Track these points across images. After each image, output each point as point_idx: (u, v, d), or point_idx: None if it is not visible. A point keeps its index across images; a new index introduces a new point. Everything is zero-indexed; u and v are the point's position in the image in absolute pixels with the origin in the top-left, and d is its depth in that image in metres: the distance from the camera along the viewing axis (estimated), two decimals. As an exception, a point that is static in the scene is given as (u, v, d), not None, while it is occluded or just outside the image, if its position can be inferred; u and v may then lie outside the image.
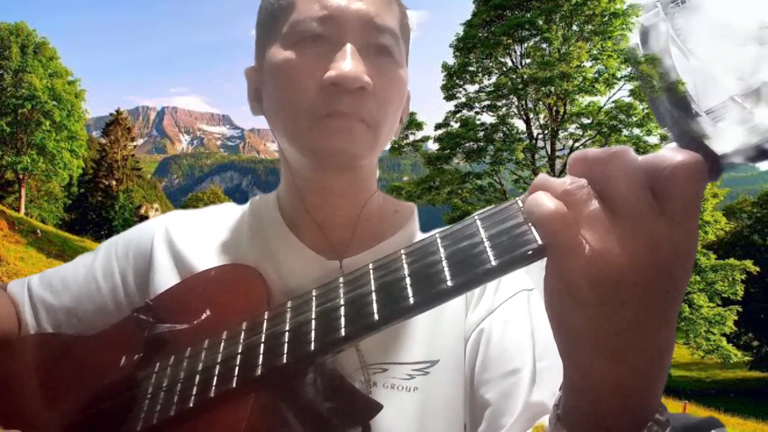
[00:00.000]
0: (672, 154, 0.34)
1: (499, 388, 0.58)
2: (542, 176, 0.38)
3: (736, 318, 16.41)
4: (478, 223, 0.42)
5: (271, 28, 0.65)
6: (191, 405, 0.53)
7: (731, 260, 16.55)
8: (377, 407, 0.52)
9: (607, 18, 15.31)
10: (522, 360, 0.59)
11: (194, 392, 0.54)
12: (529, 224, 0.38)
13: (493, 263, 0.39)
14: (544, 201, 0.36)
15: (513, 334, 0.61)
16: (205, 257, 0.69)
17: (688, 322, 15.79)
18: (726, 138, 0.35)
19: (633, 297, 0.34)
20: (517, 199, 0.41)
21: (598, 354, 0.36)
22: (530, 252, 0.38)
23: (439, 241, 0.44)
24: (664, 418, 0.38)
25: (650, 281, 0.33)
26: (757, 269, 16.91)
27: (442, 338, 0.64)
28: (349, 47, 0.59)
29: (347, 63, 0.58)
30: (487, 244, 0.40)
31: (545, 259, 0.37)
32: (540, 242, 0.37)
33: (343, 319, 0.48)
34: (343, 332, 0.47)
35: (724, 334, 16.16)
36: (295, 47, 0.61)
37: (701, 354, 16.65)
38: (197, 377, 0.55)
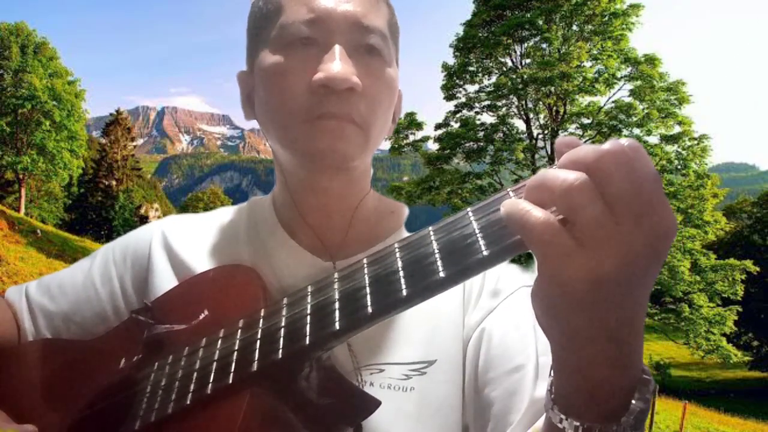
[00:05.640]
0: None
1: (504, 386, 0.58)
2: (541, 175, 0.37)
3: (736, 318, 16.37)
4: (471, 214, 0.42)
5: (260, 33, 0.65)
6: (188, 402, 0.53)
7: (731, 260, 16.51)
8: (375, 404, 0.52)
9: (607, 18, 15.30)
10: (525, 356, 0.59)
11: (191, 389, 0.54)
12: None
13: (485, 253, 0.39)
14: (531, 212, 0.35)
15: (515, 332, 0.61)
16: (202, 260, 0.69)
17: (688, 322, 15.76)
18: None
19: (632, 287, 0.34)
20: (508, 189, 0.41)
21: (596, 341, 0.37)
22: (521, 240, 0.37)
23: (432, 233, 0.44)
24: (648, 377, 0.40)
25: (648, 267, 0.34)
26: (757, 269, 16.87)
27: (440, 338, 0.63)
28: (337, 48, 0.59)
29: (336, 64, 0.58)
30: (479, 234, 0.40)
31: None
32: None
33: (337, 313, 0.48)
34: (337, 326, 0.47)
35: (724, 334, 16.12)
36: (284, 51, 0.61)
37: (701, 354, 16.62)
38: (194, 375, 0.55)
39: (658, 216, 0.34)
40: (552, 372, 0.42)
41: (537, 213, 0.35)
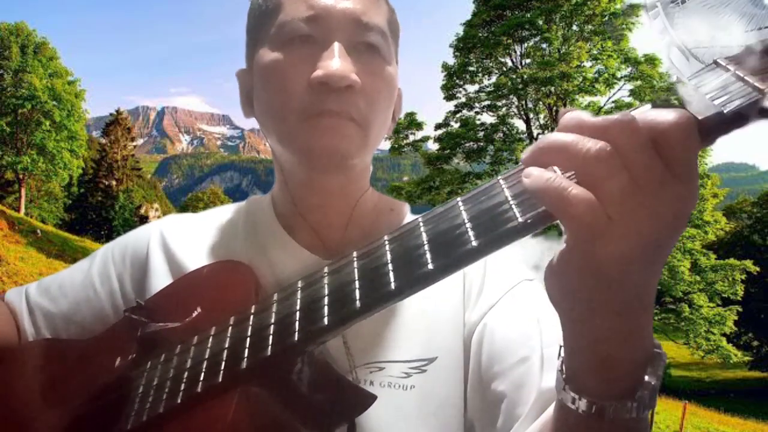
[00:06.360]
0: (664, 114, 0.34)
1: (511, 379, 0.57)
2: (555, 139, 0.36)
3: (736, 318, 16.38)
4: (461, 204, 0.42)
5: (259, 31, 0.65)
6: (179, 401, 0.53)
7: (731, 260, 16.53)
8: (371, 398, 0.52)
9: (607, 18, 15.31)
10: (529, 348, 0.58)
11: (182, 388, 0.54)
12: (510, 202, 0.38)
13: (474, 243, 0.39)
14: (571, 190, 0.34)
15: (518, 324, 0.61)
16: (200, 260, 0.69)
17: (688, 322, 15.78)
18: (707, 102, 0.34)
19: (652, 260, 0.35)
20: (498, 177, 0.40)
21: (612, 316, 0.36)
22: (511, 229, 0.37)
23: (421, 225, 0.44)
24: (660, 351, 0.39)
25: (669, 238, 0.34)
26: (757, 269, 16.89)
27: (440, 335, 0.63)
28: (336, 46, 0.59)
29: (335, 62, 0.58)
30: (468, 225, 0.40)
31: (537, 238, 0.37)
32: (521, 219, 0.36)
33: (326, 308, 0.47)
34: (326, 321, 0.47)
35: (724, 334, 16.13)
36: (283, 48, 0.61)
37: (701, 354, 16.63)
38: (186, 373, 0.55)
39: (679, 182, 0.33)
40: (563, 352, 0.41)
41: (576, 191, 0.34)
